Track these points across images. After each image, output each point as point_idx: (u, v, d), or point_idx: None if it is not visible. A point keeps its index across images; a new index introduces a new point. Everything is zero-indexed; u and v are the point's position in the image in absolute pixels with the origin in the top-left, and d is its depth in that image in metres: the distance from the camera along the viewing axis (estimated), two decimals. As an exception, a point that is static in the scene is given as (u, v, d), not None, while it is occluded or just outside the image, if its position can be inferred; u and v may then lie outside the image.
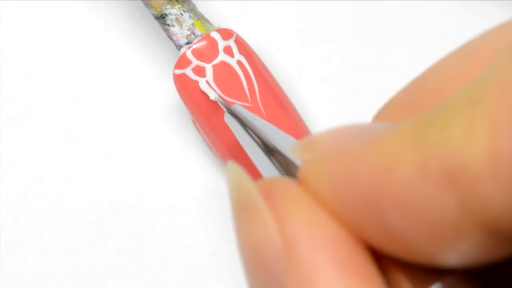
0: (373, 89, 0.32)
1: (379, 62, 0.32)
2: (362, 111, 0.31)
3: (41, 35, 0.32)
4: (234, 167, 0.15)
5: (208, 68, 0.28)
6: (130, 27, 0.32)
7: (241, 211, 0.14)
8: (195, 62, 0.28)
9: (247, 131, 0.21)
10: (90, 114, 0.31)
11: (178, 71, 0.28)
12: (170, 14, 0.28)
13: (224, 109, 0.25)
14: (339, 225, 0.13)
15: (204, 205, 0.30)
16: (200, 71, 0.28)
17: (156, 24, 0.30)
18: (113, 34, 0.32)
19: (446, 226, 0.11)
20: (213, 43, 0.28)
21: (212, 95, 0.27)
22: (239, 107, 0.24)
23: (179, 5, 0.28)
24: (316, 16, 0.33)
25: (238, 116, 0.24)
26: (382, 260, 0.13)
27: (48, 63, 0.32)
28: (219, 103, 0.27)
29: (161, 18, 0.28)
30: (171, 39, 0.29)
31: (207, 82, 0.28)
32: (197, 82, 0.28)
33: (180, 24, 0.28)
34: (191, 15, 0.28)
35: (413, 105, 0.15)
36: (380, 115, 0.16)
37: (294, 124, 0.29)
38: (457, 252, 0.12)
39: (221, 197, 0.30)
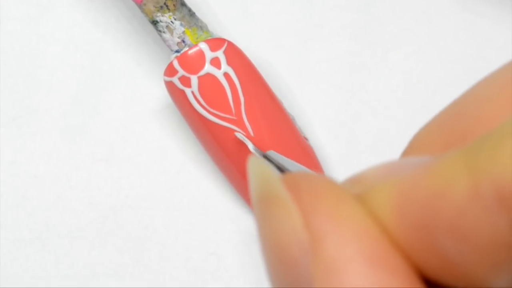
0: (373, 89, 0.32)
1: (379, 62, 0.32)
2: (362, 111, 0.31)
3: (41, 36, 0.32)
4: (257, 160, 0.14)
5: (194, 79, 0.28)
6: (130, 27, 0.32)
7: (264, 204, 0.14)
8: (181, 72, 0.28)
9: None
10: (90, 114, 0.31)
11: (166, 78, 0.28)
12: (160, 21, 0.28)
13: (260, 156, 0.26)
14: (368, 221, 0.13)
15: (204, 205, 0.30)
16: (186, 82, 0.28)
17: (156, 24, 0.30)
18: (113, 33, 0.32)
19: (499, 250, 0.11)
20: (200, 54, 0.28)
21: (251, 146, 0.27)
22: (273, 153, 0.25)
23: (170, 13, 0.28)
24: (316, 16, 0.33)
25: (274, 162, 0.24)
26: None
27: (48, 63, 0.32)
28: (254, 152, 0.27)
29: (153, 23, 0.29)
30: (165, 44, 0.29)
31: (192, 92, 0.28)
32: (183, 91, 0.28)
33: (171, 31, 0.28)
34: (183, 23, 0.28)
35: (452, 131, 0.15)
36: (418, 140, 0.16)
37: (285, 139, 0.28)
38: (510, 276, 0.12)
39: (221, 197, 0.30)
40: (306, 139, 0.30)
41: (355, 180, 0.14)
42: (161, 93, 0.31)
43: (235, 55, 0.28)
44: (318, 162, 0.29)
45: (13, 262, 0.29)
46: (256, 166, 0.14)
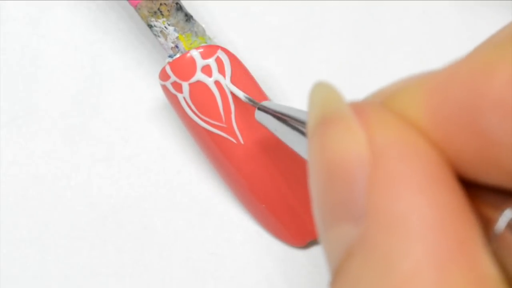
0: (373, 89, 0.32)
1: (379, 62, 0.32)
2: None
3: (41, 36, 0.32)
4: (323, 84, 0.15)
5: (185, 86, 0.28)
6: (130, 27, 0.32)
7: (325, 125, 0.14)
8: (173, 78, 0.28)
9: (281, 121, 0.22)
10: (90, 114, 0.31)
11: (161, 82, 0.28)
12: (155, 26, 0.28)
13: (255, 107, 0.26)
14: (427, 142, 0.13)
15: (204, 205, 0.30)
16: (178, 87, 0.28)
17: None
18: (113, 34, 0.32)
19: None
20: (191, 62, 0.28)
21: (242, 95, 0.27)
22: (267, 102, 0.25)
23: (164, 19, 0.28)
24: (316, 16, 0.33)
25: (269, 111, 0.24)
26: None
27: (48, 63, 0.32)
28: (248, 101, 0.27)
29: (149, 27, 0.29)
30: (162, 46, 0.29)
31: (184, 98, 0.28)
32: (176, 96, 0.28)
33: (165, 36, 0.28)
34: (177, 28, 0.28)
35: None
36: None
37: (277, 146, 0.28)
38: None
39: (221, 197, 0.30)
40: None
41: (375, 96, 0.15)
42: (161, 94, 0.31)
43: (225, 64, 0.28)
44: None
45: (13, 262, 0.29)
46: (321, 90, 0.15)
